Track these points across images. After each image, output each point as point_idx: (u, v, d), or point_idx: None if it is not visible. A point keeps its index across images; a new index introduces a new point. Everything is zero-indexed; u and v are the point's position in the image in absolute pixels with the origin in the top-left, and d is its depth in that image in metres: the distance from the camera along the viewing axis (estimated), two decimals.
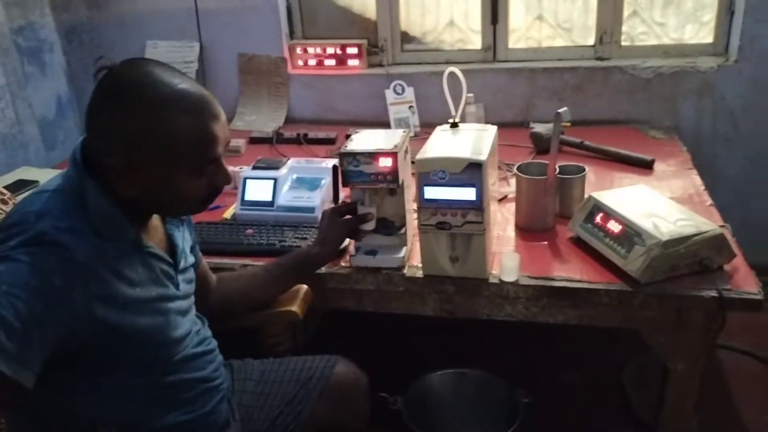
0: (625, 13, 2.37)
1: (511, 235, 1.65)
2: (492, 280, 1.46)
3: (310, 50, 2.57)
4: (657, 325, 1.44)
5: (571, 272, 1.46)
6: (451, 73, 1.50)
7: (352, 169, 1.41)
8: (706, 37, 2.36)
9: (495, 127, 1.54)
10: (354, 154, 1.40)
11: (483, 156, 1.35)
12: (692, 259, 1.40)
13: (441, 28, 2.55)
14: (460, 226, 1.39)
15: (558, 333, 1.67)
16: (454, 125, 1.52)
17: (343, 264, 1.53)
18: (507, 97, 2.47)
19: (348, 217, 1.45)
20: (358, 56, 2.55)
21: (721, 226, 1.57)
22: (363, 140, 1.46)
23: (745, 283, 1.38)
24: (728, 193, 2.39)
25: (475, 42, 2.53)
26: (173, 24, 2.58)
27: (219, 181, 1.10)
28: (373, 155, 1.39)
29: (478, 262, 1.43)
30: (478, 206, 1.36)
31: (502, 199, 1.84)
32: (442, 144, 1.43)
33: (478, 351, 2.23)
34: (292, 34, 2.62)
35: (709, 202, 1.77)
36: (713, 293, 1.35)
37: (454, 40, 2.55)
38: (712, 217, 1.66)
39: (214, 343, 1.26)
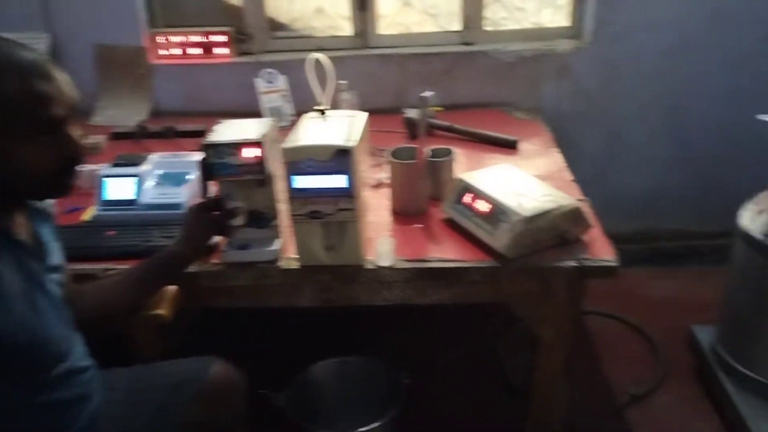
0: None
1: (387, 220, 1.66)
2: (368, 266, 1.46)
3: (173, 39, 2.45)
4: (525, 297, 1.51)
5: (444, 253, 1.50)
6: (322, 60, 1.48)
7: (216, 162, 1.36)
8: (563, 20, 2.49)
9: (365, 114, 1.54)
10: (217, 146, 1.35)
11: (352, 142, 1.34)
12: (554, 232, 1.47)
13: (310, 14, 2.52)
14: (333, 214, 1.37)
15: (437, 312, 1.71)
16: (323, 112, 1.50)
17: (214, 261, 1.47)
18: (380, 83, 2.48)
19: (215, 213, 1.39)
20: (225, 44, 2.46)
21: (580, 200, 1.67)
22: (227, 131, 1.41)
23: (602, 251, 1.47)
24: (588, 169, 2.53)
25: (346, 28, 2.51)
26: (17, 13, 2.37)
27: (68, 151, 1.02)
28: (237, 146, 1.34)
29: (353, 249, 1.43)
30: (349, 193, 1.36)
31: (378, 185, 1.84)
32: (310, 132, 1.41)
33: (360, 338, 2.25)
34: (152, 23, 2.49)
35: (571, 178, 1.86)
36: (574, 263, 1.43)
37: (325, 27, 2.53)
38: (573, 192, 1.75)
39: (90, 361, 1.18)
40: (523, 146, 2.10)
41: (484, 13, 2.46)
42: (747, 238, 1.68)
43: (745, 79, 2.40)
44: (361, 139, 1.41)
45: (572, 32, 2.48)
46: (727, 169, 2.53)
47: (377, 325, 2.25)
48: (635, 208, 2.63)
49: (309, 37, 2.54)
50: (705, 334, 1.98)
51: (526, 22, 2.50)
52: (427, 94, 1.53)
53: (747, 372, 1.76)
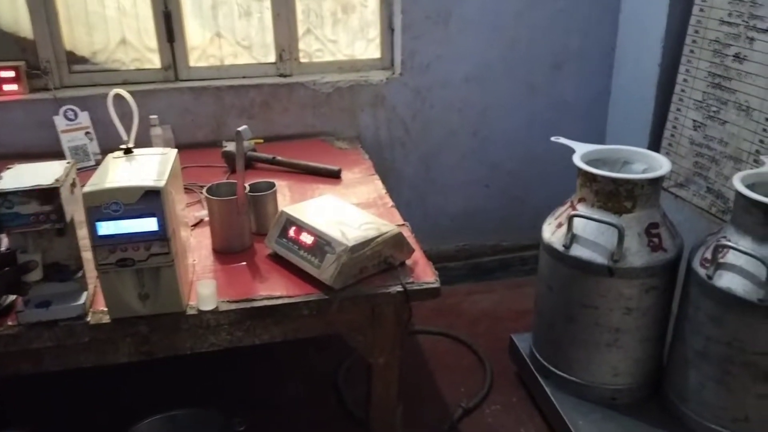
0: (300, 30, 2.47)
1: (209, 260, 1.59)
2: (190, 311, 1.38)
3: None
4: (355, 325, 1.51)
5: (271, 290, 1.46)
6: (124, 95, 1.38)
7: (5, 212, 1.21)
8: (375, 52, 2.58)
9: (175, 150, 1.46)
10: (5, 194, 1.20)
11: (161, 182, 1.26)
12: (378, 259, 1.49)
13: (113, 46, 2.37)
14: (145, 260, 1.28)
15: (274, 348, 1.66)
16: (128, 151, 1.40)
17: (10, 323, 1.30)
18: (196, 116, 2.39)
19: (4, 269, 1.23)
20: (15, 80, 2.24)
21: (401, 225, 1.72)
22: (17, 177, 1.26)
23: (424, 274, 1.52)
24: (409, 193, 2.66)
25: (154, 61, 2.40)
26: None
27: None
28: (29, 193, 1.21)
29: (171, 295, 1.34)
30: (162, 236, 1.27)
31: (198, 224, 1.76)
32: (115, 173, 1.31)
33: (189, 387, 2.12)
34: None
35: (391, 203, 1.91)
36: (399, 288, 1.46)
37: (130, 60, 2.39)
38: (394, 217, 1.80)
39: None
40: (346, 175, 2.13)
41: (299, 45, 2.48)
42: (549, 249, 1.84)
43: (540, 103, 2.65)
44: (172, 177, 1.34)
45: (384, 63, 2.58)
46: (531, 186, 2.76)
47: (208, 370, 2.14)
48: (454, 227, 2.78)
49: (113, 70, 2.38)
50: (523, 342, 2.13)
51: (340, 54, 2.56)
52: (242, 128, 1.49)
53: (561, 374, 1.91)
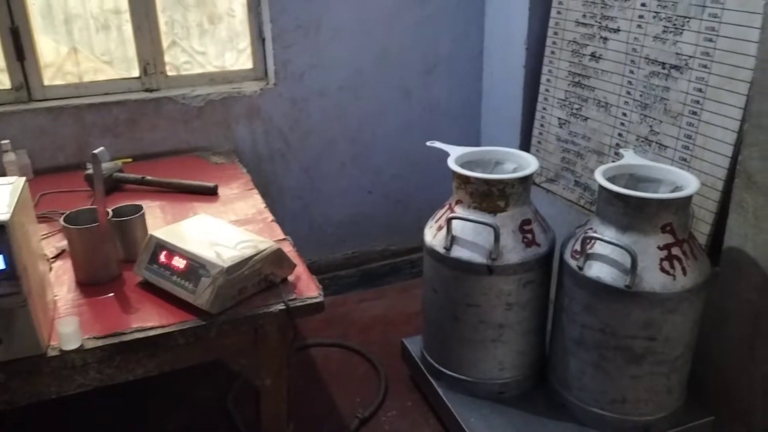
0: (165, 43, 2.36)
1: (73, 294, 1.47)
2: (51, 353, 1.27)
3: None
4: (237, 349, 1.45)
5: (142, 320, 1.37)
6: None
7: None
8: (246, 63, 2.51)
9: (23, 179, 1.34)
10: None
11: (5, 215, 1.15)
12: (258, 277, 1.44)
13: None
14: None
15: (159, 378, 1.56)
16: None
17: None
18: (55, 139, 2.22)
19: None
20: None
21: (281, 240, 1.68)
22: None
23: (307, 289, 1.49)
24: (293, 204, 2.61)
25: (4, 81, 2.21)
26: None
27: None
28: None
29: (27, 338, 1.22)
30: (11, 275, 1.16)
31: (60, 255, 1.63)
32: None
33: (77, 424, 1.97)
34: None
35: (271, 218, 1.86)
36: (281, 306, 1.42)
37: None
38: (274, 232, 1.76)
39: None
40: (223, 191, 2.06)
41: (165, 58, 2.37)
42: (431, 252, 1.86)
43: (416, 108, 2.69)
44: (21, 208, 1.23)
45: (257, 74, 2.52)
46: (413, 189, 2.80)
47: (82, 411, 2.00)
48: (341, 235, 2.76)
49: None
50: (414, 345, 2.14)
51: (210, 66, 2.47)
52: (98, 150, 1.40)
53: (451, 373, 1.94)
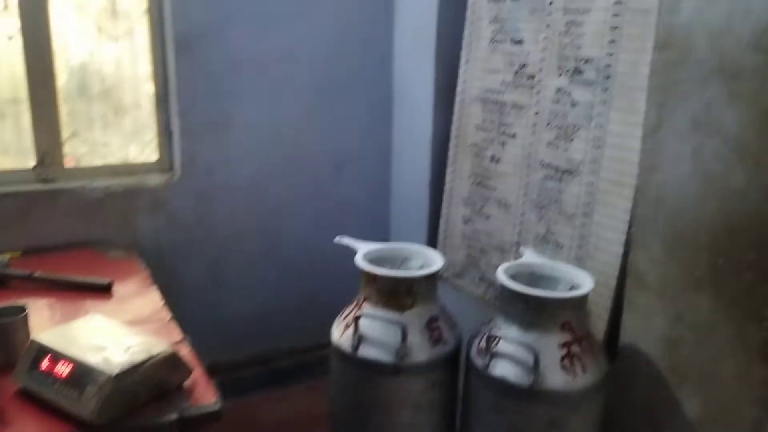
0: (65, 134, 2.28)
1: None
2: None
3: None
4: None
5: None
6: None
7: None
8: (152, 155, 2.46)
9: None
10: None
11: None
12: (150, 384, 1.36)
13: None
14: None
15: None
16: None
17: None
18: None
19: None
20: None
21: (178, 342, 1.60)
22: None
23: (204, 396, 1.41)
24: (195, 300, 2.51)
25: None
26: None
27: None
28: None
29: None
30: None
31: None
32: None
33: None
34: None
35: (169, 317, 1.78)
36: (175, 416, 1.33)
37: None
38: (172, 333, 1.67)
39: None
40: (118, 288, 1.96)
41: (64, 149, 2.29)
42: (338, 351, 1.82)
43: (326, 203, 2.71)
44: None
45: (162, 166, 2.47)
46: (322, 285, 2.76)
47: None
48: (248, 332, 2.66)
49: None
50: None
51: (113, 158, 2.41)
52: None
53: None
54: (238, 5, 2.36)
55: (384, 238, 2.83)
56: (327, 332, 1.93)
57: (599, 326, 1.84)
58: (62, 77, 2.25)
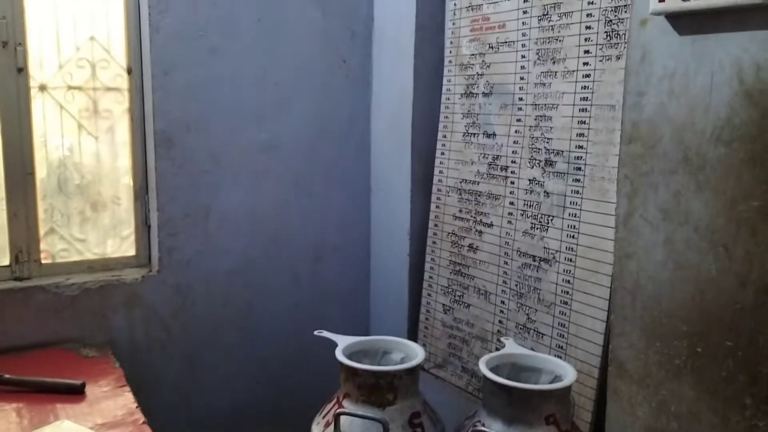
0: (42, 230, 2.27)
1: None
2: None
3: None
4: None
5: None
6: None
7: None
8: (129, 250, 2.45)
9: None
10: None
11: None
12: None
13: None
14: None
15: None
16: None
17: None
18: None
19: None
20: None
21: None
22: None
23: None
24: (171, 396, 2.43)
25: None
26: None
27: None
28: None
29: None
30: None
31: None
32: None
33: None
34: None
35: (142, 420, 1.72)
36: None
37: None
38: None
39: None
40: (91, 390, 1.89)
41: (41, 245, 2.27)
42: None
43: (305, 294, 2.68)
44: None
45: (140, 261, 2.45)
46: (302, 378, 2.70)
47: None
48: (224, 427, 2.57)
49: None
50: None
51: (90, 254, 2.39)
52: None
53: None
54: (217, 101, 2.43)
55: (364, 327, 2.80)
56: (306, 427, 1.88)
57: (584, 417, 1.81)
58: (41, 172, 2.26)
